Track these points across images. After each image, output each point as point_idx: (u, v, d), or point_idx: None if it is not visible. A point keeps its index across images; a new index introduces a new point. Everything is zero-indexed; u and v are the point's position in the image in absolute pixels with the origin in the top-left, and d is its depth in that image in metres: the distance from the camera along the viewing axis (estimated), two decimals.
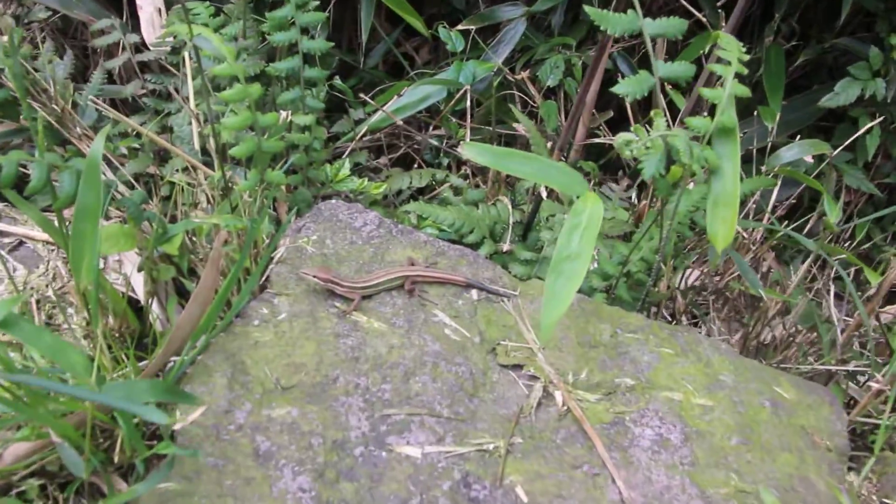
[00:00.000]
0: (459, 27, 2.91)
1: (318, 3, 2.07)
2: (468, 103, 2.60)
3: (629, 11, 1.86)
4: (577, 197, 1.71)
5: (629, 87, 1.80)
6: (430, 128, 2.74)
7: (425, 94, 2.70)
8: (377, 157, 2.65)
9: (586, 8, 1.81)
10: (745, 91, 1.85)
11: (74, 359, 1.35)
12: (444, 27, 2.83)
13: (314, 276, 1.76)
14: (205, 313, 1.63)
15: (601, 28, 1.86)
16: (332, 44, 2.09)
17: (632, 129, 1.69)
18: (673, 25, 1.86)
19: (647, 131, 1.82)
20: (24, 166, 2.04)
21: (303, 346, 1.72)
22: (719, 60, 1.91)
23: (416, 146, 2.95)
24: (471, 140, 2.71)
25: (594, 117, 2.87)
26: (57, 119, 1.98)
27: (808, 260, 2.26)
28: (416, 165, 2.75)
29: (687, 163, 1.68)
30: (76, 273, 1.52)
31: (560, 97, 2.91)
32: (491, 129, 2.78)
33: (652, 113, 1.75)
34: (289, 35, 2.07)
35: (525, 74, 2.87)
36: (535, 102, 2.88)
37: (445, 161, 2.66)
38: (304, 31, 2.10)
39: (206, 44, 1.68)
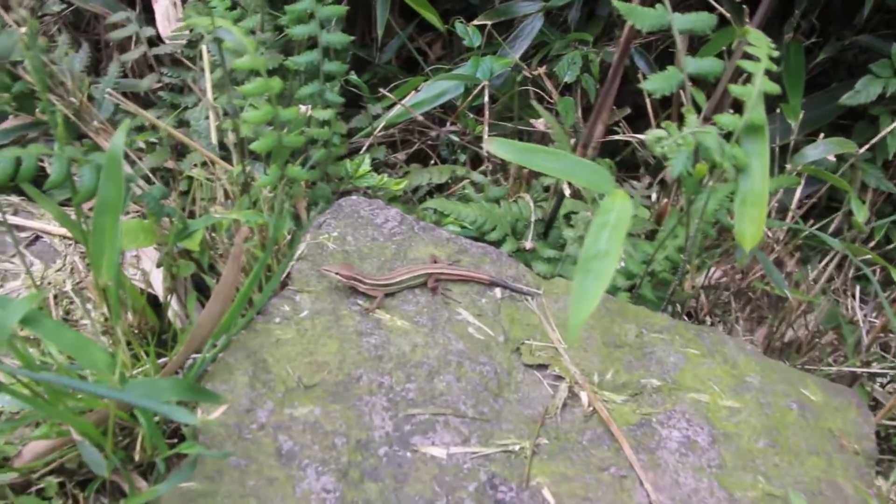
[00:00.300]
0: (475, 22, 2.88)
1: None
2: (486, 99, 2.57)
3: (657, 6, 1.84)
4: (604, 195, 1.68)
5: (657, 84, 1.77)
6: (448, 124, 2.71)
7: (442, 89, 2.66)
8: (392, 152, 2.62)
9: (615, 2, 1.77)
10: (774, 88, 1.82)
11: (97, 356, 1.32)
12: (461, 22, 2.80)
13: (336, 274, 1.73)
14: (226, 311, 1.60)
15: (630, 22, 1.83)
16: (353, 38, 2.06)
17: (662, 125, 1.67)
18: (702, 21, 1.83)
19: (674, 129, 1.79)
20: (42, 160, 2.02)
21: (325, 344, 1.69)
22: (747, 56, 1.89)
23: (430, 141, 2.92)
24: (489, 136, 2.68)
25: (613, 113, 2.84)
26: (74, 112, 1.95)
27: (832, 260, 2.24)
28: (431, 161, 2.72)
29: (718, 161, 1.65)
30: (96, 269, 1.49)
31: (577, 93, 2.87)
32: (508, 124, 2.75)
33: (683, 110, 1.72)
34: (308, 28, 2.04)
35: (542, 70, 2.83)
36: (551, 98, 2.85)
37: (463, 157, 2.63)
38: (322, 24, 2.07)
39: (228, 36, 1.65)
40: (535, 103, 2.36)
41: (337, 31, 2.23)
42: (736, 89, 1.81)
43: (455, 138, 2.63)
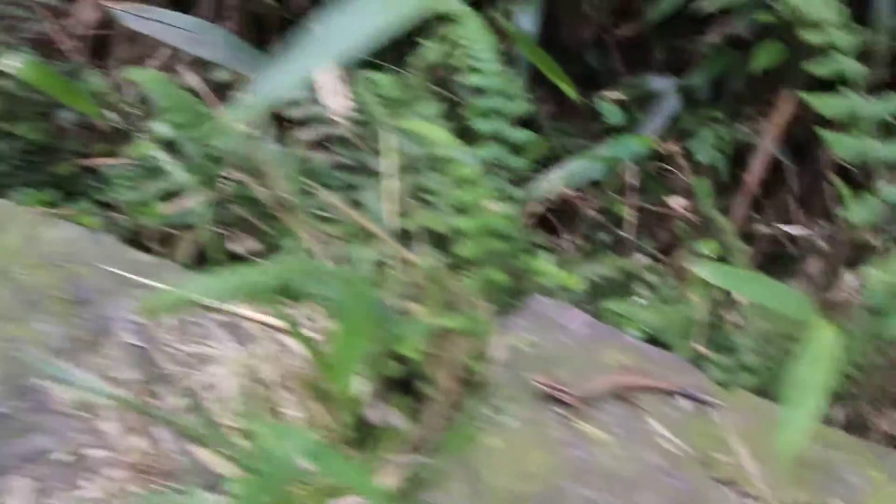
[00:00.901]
0: (611, 96, 2.94)
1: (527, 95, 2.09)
2: (633, 182, 2.62)
3: (856, 133, 1.88)
4: (807, 322, 1.73)
5: (861, 215, 1.82)
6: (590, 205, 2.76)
7: (583, 168, 2.71)
8: (550, 236, 2.67)
9: (822, 132, 1.82)
10: None
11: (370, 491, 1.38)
12: (603, 99, 2.85)
13: (539, 383, 1.79)
14: (442, 419, 1.66)
15: (832, 149, 1.88)
16: (539, 137, 2.11)
17: (872, 266, 1.72)
18: None
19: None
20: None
21: (530, 453, 1.74)
22: None
23: (551, 208, 2.97)
24: (627, 213, 2.74)
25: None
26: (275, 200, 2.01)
27: None
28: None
29: None
30: (338, 381, 1.55)
31: (710, 173, 2.91)
32: (644, 204, 2.80)
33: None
34: (495, 125, 2.09)
35: (677, 148, 2.88)
36: (683, 177, 2.89)
37: (607, 237, 2.68)
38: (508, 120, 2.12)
39: (451, 154, 1.70)
40: (711, 209, 2.41)
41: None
42: None
43: (598, 217, 2.68)
